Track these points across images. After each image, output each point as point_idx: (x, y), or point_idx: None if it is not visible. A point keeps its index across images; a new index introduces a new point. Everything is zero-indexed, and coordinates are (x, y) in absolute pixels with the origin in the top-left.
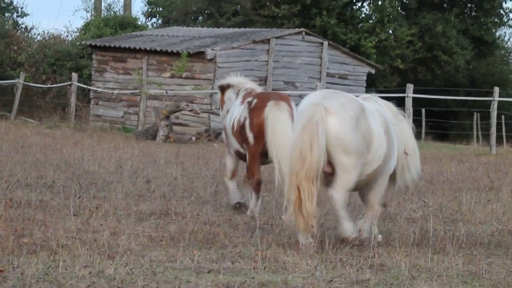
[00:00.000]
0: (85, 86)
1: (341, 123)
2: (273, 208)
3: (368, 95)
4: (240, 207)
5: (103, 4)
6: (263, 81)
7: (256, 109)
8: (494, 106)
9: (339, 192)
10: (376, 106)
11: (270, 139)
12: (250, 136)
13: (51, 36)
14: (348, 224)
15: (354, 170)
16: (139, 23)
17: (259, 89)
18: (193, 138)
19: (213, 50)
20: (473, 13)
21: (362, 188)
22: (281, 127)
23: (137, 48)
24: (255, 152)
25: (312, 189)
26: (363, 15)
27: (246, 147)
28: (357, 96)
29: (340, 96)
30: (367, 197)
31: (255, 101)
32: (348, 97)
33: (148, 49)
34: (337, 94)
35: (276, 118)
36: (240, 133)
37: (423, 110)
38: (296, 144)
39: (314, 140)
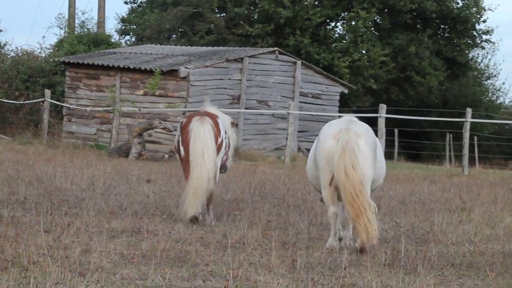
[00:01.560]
0: (58, 103)
1: (367, 145)
2: (245, 227)
3: (348, 116)
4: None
5: (76, 21)
6: (236, 99)
7: (184, 126)
8: (467, 127)
9: None
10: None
11: (191, 147)
12: (181, 149)
13: (25, 53)
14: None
15: (369, 186)
16: (113, 40)
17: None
18: (166, 156)
19: (187, 68)
20: (446, 35)
21: None
22: (202, 137)
23: (111, 65)
24: (187, 163)
25: (369, 200)
26: (337, 35)
27: (181, 160)
28: (339, 117)
29: (361, 123)
30: None
31: (184, 120)
32: (365, 124)
33: (121, 66)
34: (357, 121)
35: (198, 129)
36: (177, 148)
37: (396, 131)
38: (339, 167)
39: (354, 160)
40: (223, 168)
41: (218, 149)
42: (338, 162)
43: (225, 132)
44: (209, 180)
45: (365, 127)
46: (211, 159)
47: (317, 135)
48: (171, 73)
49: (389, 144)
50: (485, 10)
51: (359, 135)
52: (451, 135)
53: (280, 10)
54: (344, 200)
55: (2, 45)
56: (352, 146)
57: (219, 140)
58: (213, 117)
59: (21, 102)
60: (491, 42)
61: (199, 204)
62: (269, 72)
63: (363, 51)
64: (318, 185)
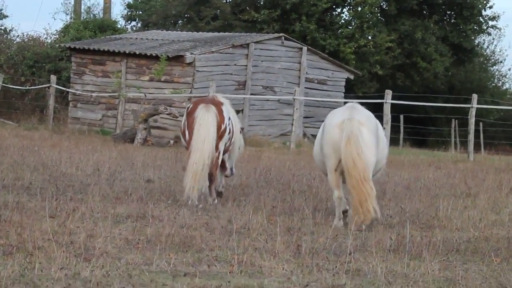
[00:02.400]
0: (64, 89)
1: (369, 132)
2: (250, 213)
3: (352, 103)
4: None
5: (82, 7)
6: (242, 85)
7: (190, 111)
8: (472, 113)
9: None
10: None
11: (194, 133)
12: (187, 133)
13: (30, 38)
14: None
15: (371, 171)
16: (119, 26)
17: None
18: (171, 141)
19: (192, 54)
20: (452, 20)
21: None
22: (205, 124)
23: (116, 51)
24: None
25: (371, 185)
26: (343, 21)
27: (186, 144)
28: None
29: (362, 110)
30: None
31: (190, 105)
32: (366, 110)
33: (127, 52)
34: (359, 108)
35: (203, 116)
36: (182, 132)
37: (402, 116)
38: (347, 156)
39: (359, 149)
40: (229, 162)
41: (222, 135)
42: (345, 150)
43: (229, 118)
44: (205, 165)
45: (366, 114)
46: (210, 146)
47: (323, 121)
48: (177, 58)
49: (394, 130)
50: None
51: (362, 123)
52: (456, 121)
53: None
54: (349, 185)
55: (8, 31)
56: (356, 135)
57: (223, 126)
58: (218, 105)
59: (27, 87)
60: (497, 28)
61: (197, 187)
62: (275, 58)
63: (369, 37)
64: (325, 169)
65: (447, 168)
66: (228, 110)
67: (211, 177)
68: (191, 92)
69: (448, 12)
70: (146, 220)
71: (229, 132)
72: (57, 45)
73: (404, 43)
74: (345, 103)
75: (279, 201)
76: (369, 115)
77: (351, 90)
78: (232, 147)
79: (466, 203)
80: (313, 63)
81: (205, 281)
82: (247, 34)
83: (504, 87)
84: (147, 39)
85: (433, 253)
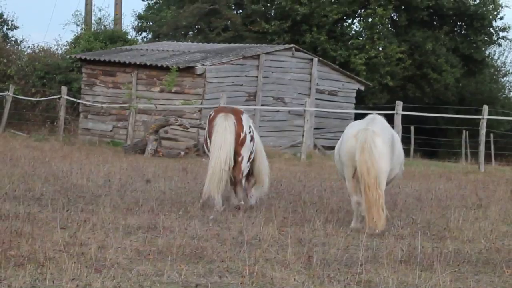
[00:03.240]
0: (75, 100)
1: (384, 143)
2: (261, 224)
3: (373, 115)
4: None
5: (93, 18)
6: (252, 96)
7: (211, 120)
8: (483, 124)
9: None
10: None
11: (212, 141)
12: (208, 141)
13: (41, 49)
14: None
15: (385, 179)
16: (129, 37)
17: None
18: (182, 152)
19: (203, 65)
20: (463, 32)
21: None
22: (222, 131)
23: (127, 62)
24: None
25: (380, 192)
26: (353, 32)
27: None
28: (355, 114)
29: (379, 121)
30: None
31: (212, 114)
32: (383, 122)
33: (138, 63)
34: (376, 120)
35: (221, 124)
36: (205, 140)
37: (412, 128)
38: (361, 164)
39: (372, 158)
40: (255, 195)
41: (242, 143)
42: (359, 159)
43: (249, 127)
44: (222, 171)
45: (382, 125)
46: (226, 153)
47: (334, 132)
48: (188, 70)
49: (405, 141)
50: (502, 7)
51: (376, 133)
52: (467, 132)
53: (297, 7)
54: (362, 190)
55: (18, 42)
56: (370, 144)
57: (242, 135)
58: (237, 114)
59: (38, 99)
60: (508, 39)
61: (216, 190)
62: (285, 69)
63: (380, 48)
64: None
65: (458, 179)
66: (248, 119)
67: (235, 180)
68: (202, 103)
69: (458, 23)
70: (157, 231)
71: (251, 140)
72: (68, 56)
73: (415, 54)
74: (355, 114)
75: (290, 212)
76: (385, 125)
77: (361, 101)
78: (258, 168)
79: (477, 214)
80: (323, 74)
81: None
82: (258, 45)
83: None
84: (157, 50)
85: (444, 264)
